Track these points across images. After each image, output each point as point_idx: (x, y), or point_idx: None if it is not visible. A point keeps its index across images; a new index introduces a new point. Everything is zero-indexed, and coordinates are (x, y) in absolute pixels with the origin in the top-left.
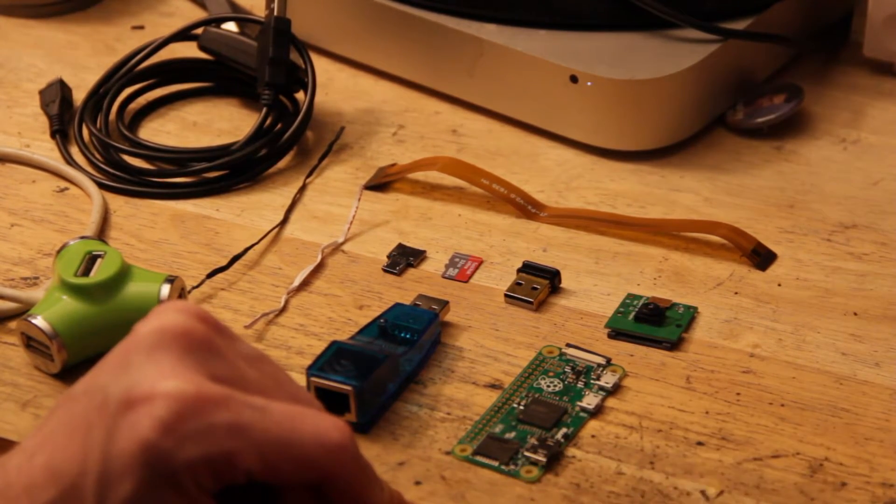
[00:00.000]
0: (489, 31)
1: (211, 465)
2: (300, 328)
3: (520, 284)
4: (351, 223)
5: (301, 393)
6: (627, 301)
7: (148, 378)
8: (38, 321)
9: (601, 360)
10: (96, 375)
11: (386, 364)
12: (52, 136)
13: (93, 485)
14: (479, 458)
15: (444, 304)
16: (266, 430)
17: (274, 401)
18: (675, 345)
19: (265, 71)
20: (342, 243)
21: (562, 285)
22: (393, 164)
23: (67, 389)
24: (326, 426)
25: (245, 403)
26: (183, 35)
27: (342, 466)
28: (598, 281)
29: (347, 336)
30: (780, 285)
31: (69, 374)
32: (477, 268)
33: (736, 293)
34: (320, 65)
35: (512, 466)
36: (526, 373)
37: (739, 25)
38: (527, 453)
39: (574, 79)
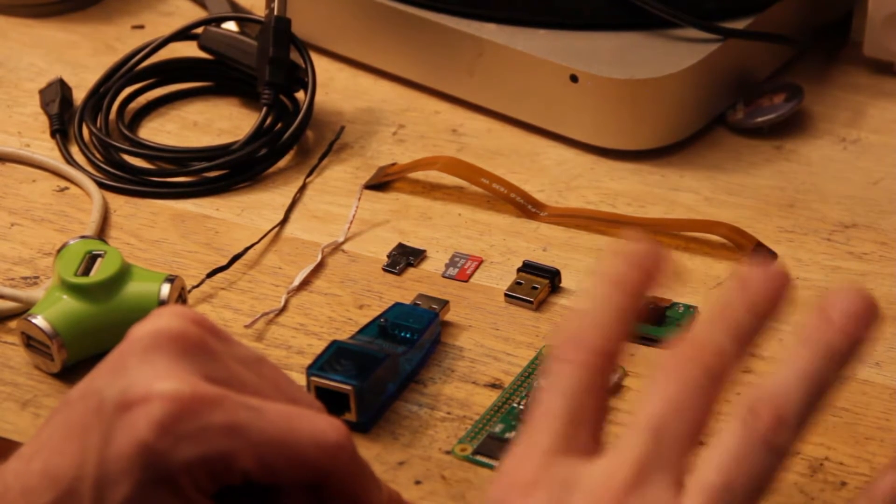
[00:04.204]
0: (489, 31)
1: (208, 466)
2: (300, 328)
3: (520, 284)
4: (351, 223)
5: (301, 394)
6: None
7: (143, 380)
8: (38, 321)
9: None
10: (92, 380)
11: (386, 364)
12: (52, 135)
13: (90, 488)
14: (479, 458)
15: (444, 303)
16: (262, 430)
17: (271, 402)
18: None
19: (265, 70)
20: (342, 243)
21: (562, 285)
22: (393, 164)
23: (64, 395)
24: (323, 426)
25: (241, 404)
26: (183, 35)
27: (339, 466)
28: None
29: (347, 336)
30: None
31: (69, 373)
32: (477, 267)
33: None
34: (320, 64)
35: None
36: (526, 372)
37: (739, 25)
38: None
39: (574, 78)
